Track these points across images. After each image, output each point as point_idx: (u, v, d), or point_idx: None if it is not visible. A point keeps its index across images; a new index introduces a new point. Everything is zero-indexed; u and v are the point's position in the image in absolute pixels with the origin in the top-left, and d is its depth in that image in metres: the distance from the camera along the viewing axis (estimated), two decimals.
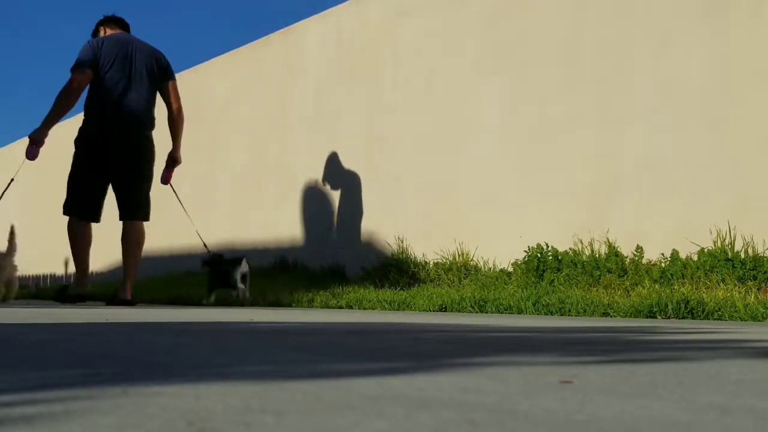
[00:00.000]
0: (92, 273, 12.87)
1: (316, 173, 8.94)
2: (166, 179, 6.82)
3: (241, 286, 6.54)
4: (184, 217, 11.11)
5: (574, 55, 6.50)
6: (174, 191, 6.99)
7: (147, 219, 6.57)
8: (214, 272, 6.70)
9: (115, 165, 6.37)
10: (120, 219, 6.54)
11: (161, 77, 6.50)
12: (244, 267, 6.57)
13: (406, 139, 7.88)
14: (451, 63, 7.52)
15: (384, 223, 8.00)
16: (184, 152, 11.60)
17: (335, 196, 8.69)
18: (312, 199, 9.00)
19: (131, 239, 6.51)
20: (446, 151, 7.46)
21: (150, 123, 6.49)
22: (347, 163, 8.54)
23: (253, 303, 7.07)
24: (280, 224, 9.38)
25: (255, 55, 10.12)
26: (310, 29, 9.25)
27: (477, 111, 7.24)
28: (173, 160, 6.75)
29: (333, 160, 8.73)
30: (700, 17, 5.78)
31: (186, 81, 11.44)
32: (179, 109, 6.62)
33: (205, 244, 7.01)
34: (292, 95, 9.40)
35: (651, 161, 5.94)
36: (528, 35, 6.86)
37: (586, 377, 1.46)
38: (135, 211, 6.50)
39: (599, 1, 6.39)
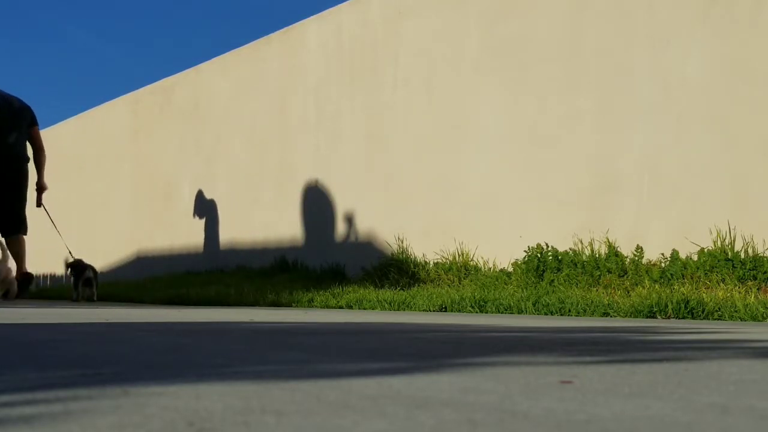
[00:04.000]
0: None
1: (316, 173, 8.94)
2: (38, 203, 8.33)
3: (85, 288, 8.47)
4: (185, 219, 11.14)
5: (574, 55, 6.50)
6: (46, 212, 8.39)
7: (26, 233, 8.20)
8: (77, 274, 8.42)
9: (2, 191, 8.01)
10: (2, 236, 8.04)
11: (30, 124, 8.17)
12: (88, 273, 8.36)
13: (406, 139, 7.88)
14: (451, 63, 7.52)
15: (384, 223, 8.00)
16: (185, 151, 11.60)
17: (335, 196, 8.70)
18: (312, 199, 9.01)
19: (15, 252, 8.08)
20: (446, 151, 7.46)
21: (26, 158, 8.19)
22: (347, 163, 8.54)
23: (253, 303, 7.09)
24: (280, 224, 9.38)
25: (255, 54, 10.12)
26: (310, 29, 9.25)
27: (477, 111, 7.24)
28: (40, 188, 8.34)
29: (333, 160, 8.73)
30: (700, 17, 5.78)
31: (186, 81, 11.45)
32: (41, 148, 8.30)
33: (70, 252, 8.61)
34: (292, 95, 9.40)
35: (651, 161, 5.94)
36: (528, 35, 6.86)
37: (586, 377, 1.46)
38: (18, 227, 8.10)
39: (599, 1, 6.39)
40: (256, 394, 1.20)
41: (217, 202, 10.53)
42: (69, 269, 8.58)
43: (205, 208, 10.78)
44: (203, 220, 10.78)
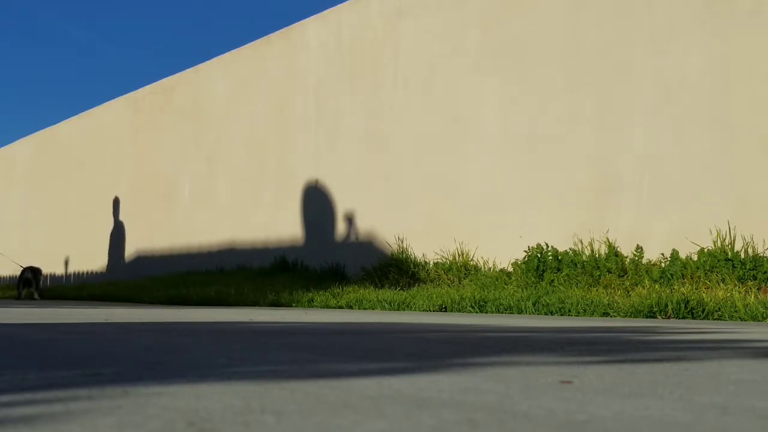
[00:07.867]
0: (91, 272, 12.89)
1: (316, 173, 8.94)
2: None
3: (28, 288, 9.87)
4: (185, 219, 11.14)
5: (574, 54, 6.50)
6: None
7: None
8: (21, 278, 9.88)
9: None
10: None
11: None
12: (26, 274, 9.67)
13: (406, 139, 7.88)
14: (451, 63, 7.52)
15: (384, 223, 8.00)
16: (185, 151, 11.65)
17: (335, 196, 8.70)
18: (312, 199, 9.01)
19: None
20: (446, 151, 7.46)
21: None
22: (347, 163, 8.54)
23: (253, 303, 7.09)
24: (280, 224, 9.38)
25: (255, 55, 10.11)
26: (310, 29, 9.25)
27: (477, 111, 7.24)
28: None
29: (333, 160, 8.73)
30: (700, 17, 5.78)
31: (186, 81, 11.45)
32: None
33: (15, 261, 10.12)
34: (292, 95, 9.40)
35: (651, 161, 5.94)
36: (528, 35, 6.86)
37: (586, 377, 1.46)
38: None
39: (599, 1, 6.39)
40: (256, 394, 1.20)
41: (219, 205, 10.54)
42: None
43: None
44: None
